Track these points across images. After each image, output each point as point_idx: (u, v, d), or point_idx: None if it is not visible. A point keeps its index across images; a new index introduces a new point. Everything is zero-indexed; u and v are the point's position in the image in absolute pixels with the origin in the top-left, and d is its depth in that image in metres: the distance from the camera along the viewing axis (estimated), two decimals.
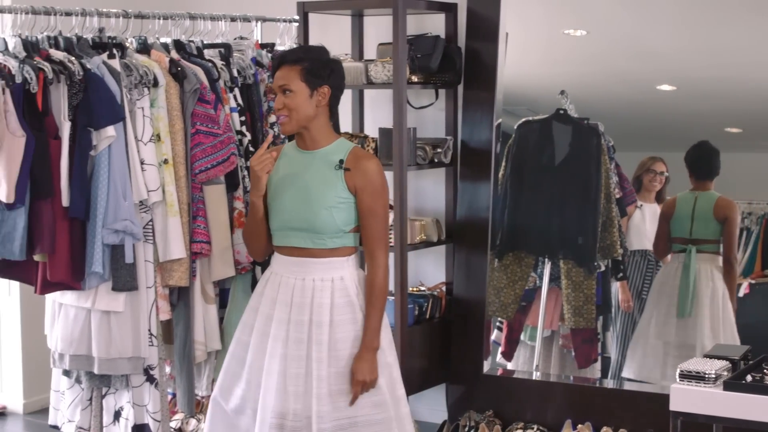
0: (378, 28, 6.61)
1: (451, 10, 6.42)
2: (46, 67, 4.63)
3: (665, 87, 6.15)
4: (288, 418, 4.18)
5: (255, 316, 4.34)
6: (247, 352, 4.33)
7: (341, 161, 4.21)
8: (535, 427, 6.07)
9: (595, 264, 6.12)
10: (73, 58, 4.72)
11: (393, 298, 6.09)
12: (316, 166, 4.24)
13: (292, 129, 4.23)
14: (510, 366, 6.37)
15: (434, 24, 6.49)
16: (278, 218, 4.28)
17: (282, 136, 5.29)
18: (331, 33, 6.72)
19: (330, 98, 4.23)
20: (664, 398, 4.90)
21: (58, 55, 4.73)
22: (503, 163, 6.31)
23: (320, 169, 4.23)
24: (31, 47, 4.76)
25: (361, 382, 4.17)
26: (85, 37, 4.94)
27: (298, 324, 4.21)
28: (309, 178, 4.23)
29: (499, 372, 6.35)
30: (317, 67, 4.20)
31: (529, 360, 6.34)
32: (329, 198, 4.18)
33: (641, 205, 6.13)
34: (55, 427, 5.21)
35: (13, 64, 4.62)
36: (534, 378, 6.28)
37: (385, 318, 4.34)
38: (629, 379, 6.10)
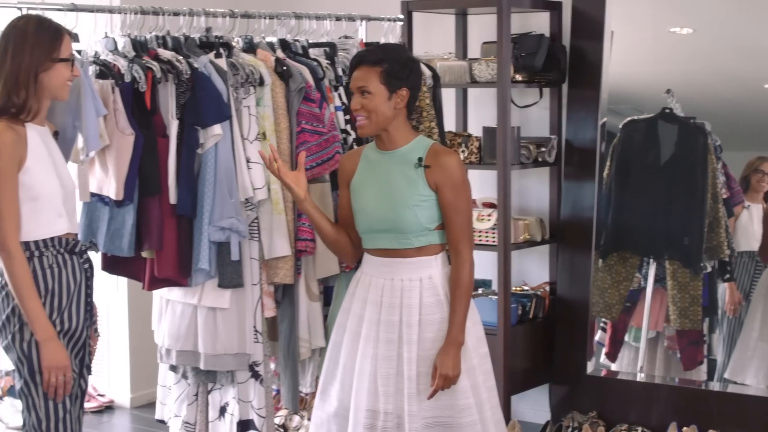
0: (482, 26, 6.59)
1: (555, 9, 6.38)
2: (155, 66, 4.69)
3: None
4: (379, 419, 4.16)
5: (347, 317, 4.32)
6: (341, 353, 4.32)
7: (420, 159, 4.15)
8: (640, 429, 6.02)
9: (702, 265, 6.05)
10: (181, 57, 4.78)
11: (496, 297, 6.09)
12: (396, 166, 4.19)
13: (371, 131, 4.18)
14: (614, 367, 6.32)
15: (538, 22, 6.46)
16: (363, 221, 4.25)
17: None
18: (434, 32, 6.72)
19: (408, 99, 4.18)
20: None
21: (166, 54, 4.79)
22: (608, 163, 6.26)
23: (400, 168, 4.18)
24: (139, 47, 4.83)
25: (443, 376, 4.09)
26: (192, 36, 5.00)
27: (389, 324, 4.19)
28: (390, 179, 4.19)
29: (603, 373, 6.30)
30: (397, 69, 4.13)
31: (633, 361, 6.28)
32: (411, 197, 4.14)
33: (749, 206, 6.04)
34: (162, 422, 5.27)
35: (122, 64, 4.70)
36: (638, 379, 6.21)
37: (476, 317, 4.31)
38: (735, 382, 6.02)
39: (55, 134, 4.11)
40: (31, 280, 3.86)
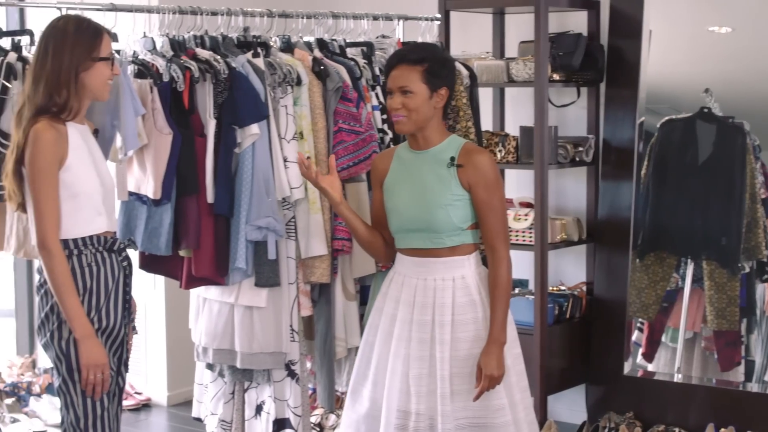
0: (519, 25, 6.58)
1: (593, 8, 6.37)
2: (193, 65, 4.71)
3: None
4: (410, 419, 4.16)
5: (380, 316, 4.31)
6: (373, 352, 4.32)
7: (453, 158, 4.15)
8: (677, 429, 6.00)
9: (739, 265, 6.02)
10: (219, 56, 4.79)
11: (533, 297, 6.08)
12: (428, 165, 4.19)
13: (410, 129, 4.17)
14: (651, 367, 6.29)
15: (576, 21, 6.44)
16: (396, 220, 4.25)
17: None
18: (472, 31, 6.72)
19: (446, 99, 4.18)
20: None
21: (204, 54, 4.80)
22: (645, 162, 6.23)
23: (433, 167, 4.17)
24: (178, 46, 4.85)
25: (488, 376, 4.08)
26: (230, 36, 5.01)
27: (421, 324, 4.19)
28: (423, 178, 4.18)
29: (640, 373, 6.28)
30: (438, 68, 4.13)
31: (670, 362, 6.25)
32: (444, 196, 4.13)
33: None
34: (198, 420, 5.29)
35: (160, 63, 4.72)
36: (675, 380, 6.19)
37: (510, 317, 4.28)
38: None
39: (95, 132, 4.13)
40: (70, 278, 3.87)
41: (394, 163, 4.29)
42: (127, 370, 4.15)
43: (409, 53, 4.17)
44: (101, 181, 3.98)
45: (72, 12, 4.49)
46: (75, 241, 3.92)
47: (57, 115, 3.89)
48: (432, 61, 4.13)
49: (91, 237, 3.95)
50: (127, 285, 4.09)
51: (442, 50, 4.29)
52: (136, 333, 4.28)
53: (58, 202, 3.86)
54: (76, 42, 3.90)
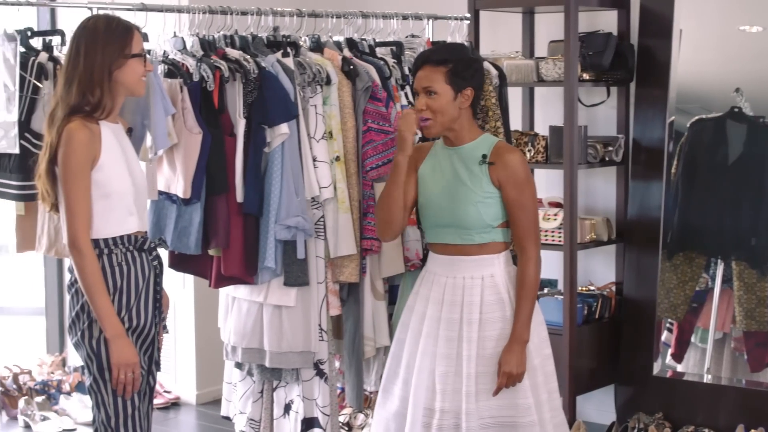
0: (549, 25, 6.57)
1: (623, 7, 6.34)
2: (223, 65, 4.72)
3: None
4: (435, 417, 4.16)
5: (410, 315, 4.33)
6: (404, 351, 4.33)
7: (484, 156, 4.16)
8: (706, 430, 5.97)
9: None
10: (249, 56, 4.80)
11: (562, 297, 6.06)
12: (461, 162, 4.20)
13: (437, 132, 4.19)
14: (680, 368, 6.27)
15: (606, 21, 6.42)
16: (428, 215, 4.27)
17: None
18: (501, 30, 6.71)
19: (473, 99, 4.18)
20: None
21: (234, 53, 4.82)
22: (675, 162, 6.21)
23: (465, 164, 4.19)
24: (208, 46, 4.86)
25: (507, 373, 4.09)
26: (260, 35, 5.02)
27: (449, 322, 4.19)
28: (454, 175, 4.20)
29: (669, 374, 6.25)
30: (462, 69, 4.13)
31: (699, 362, 6.23)
32: (475, 193, 4.15)
33: None
34: (227, 418, 5.30)
35: (190, 63, 4.73)
36: (705, 381, 6.16)
37: (540, 317, 4.30)
38: None
39: (129, 131, 4.14)
40: (101, 278, 3.88)
41: (431, 156, 4.31)
42: (158, 369, 4.16)
43: (433, 54, 4.19)
44: (133, 180, 3.98)
45: (102, 12, 4.50)
46: (106, 240, 3.92)
47: (90, 114, 3.89)
48: (456, 62, 4.13)
49: (122, 237, 3.95)
50: (158, 284, 4.10)
51: (469, 50, 4.28)
52: (167, 332, 4.30)
53: (89, 202, 3.86)
54: (108, 40, 3.90)
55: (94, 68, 3.88)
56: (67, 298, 4.04)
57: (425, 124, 4.15)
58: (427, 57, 4.18)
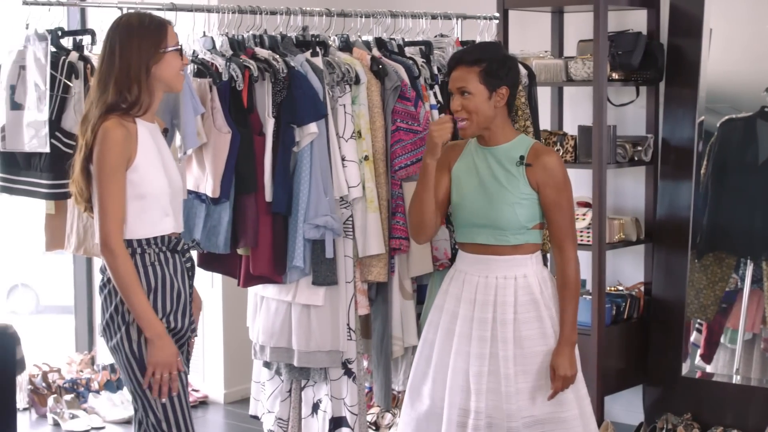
0: (578, 24, 6.56)
1: (653, 6, 6.33)
2: (252, 65, 4.73)
3: None
4: (470, 417, 4.16)
5: (440, 314, 4.32)
6: (433, 350, 4.32)
7: (522, 157, 4.16)
8: (735, 431, 5.95)
9: None
10: (278, 56, 4.81)
11: (590, 297, 6.05)
12: (497, 162, 4.19)
13: (473, 132, 4.18)
14: (709, 369, 6.25)
15: (636, 20, 6.41)
16: (462, 215, 4.26)
17: None
18: (530, 30, 6.70)
19: (508, 98, 4.18)
20: None
21: (263, 53, 4.82)
22: (705, 162, 6.19)
23: (501, 165, 4.18)
24: (237, 46, 4.87)
25: (562, 377, 4.11)
26: (289, 35, 5.03)
27: (482, 322, 4.19)
28: (490, 175, 4.19)
29: (698, 375, 6.23)
30: (496, 68, 4.13)
31: (729, 363, 6.20)
32: (511, 194, 4.14)
33: None
34: (255, 417, 5.31)
35: (220, 63, 4.74)
36: (734, 382, 6.14)
37: None
38: None
39: (165, 131, 4.12)
40: (136, 278, 3.83)
41: (465, 155, 4.30)
42: (188, 371, 4.16)
43: (466, 54, 4.19)
44: (169, 181, 3.95)
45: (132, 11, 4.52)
46: (139, 241, 3.88)
47: (127, 111, 3.87)
48: (489, 61, 4.13)
49: (155, 237, 3.92)
50: (190, 286, 4.07)
51: (501, 49, 4.27)
52: (196, 336, 4.23)
53: (123, 202, 3.82)
54: (143, 36, 3.88)
55: (130, 65, 3.86)
56: (99, 299, 4.01)
57: (462, 125, 4.15)
58: (460, 57, 4.18)
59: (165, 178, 3.93)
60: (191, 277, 4.09)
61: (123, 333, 3.88)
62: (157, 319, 3.86)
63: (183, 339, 4.02)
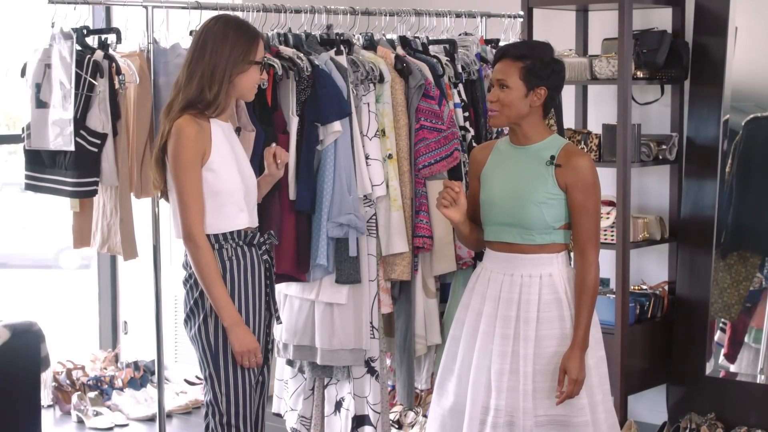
0: (603, 23, 6.54)
1: (678, 4, 6.31)
2: (276, 63, 4.73)
3: None
4: (489, 414, 4.17)
5: (466, 311, 4.33)
6: (459, 348, 4.33)
7: (552, 157, 4.15)
8: (759, 431, 5.93)
9: None
10: (302, 54, 4.81)
11: (614, 296, 6.04)
12: (527, 161, 4.20)
13: (501, 123, 4.20)
14: (733, 368, 6.23)
15: (660, 18, 6.39)
16: (489, 213, 4.26)
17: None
18: (555, 28, 6.68)
19: (546, 99, 4.18)
20: None
21: (287, 51, 4.82)
22: (729, 161, 6.16)
23: (531, 164, 4.19)
24: None
25: (573, 380, 4.09)
26: (313, 33, 5.03)
27: (505, 320, 4.19)
28: (519, 174, 4.20)
29: (722, 374, 6.21)
30: (538, 68, 4.13)
31: (753, 363, 6.18)
32: (539, 194, 4.14)
33: None
34: (278, 415, 5.31)
35: None
36: (758, 381, 6.12)
37: (595, 318, 4.27)
38: None
39: (237, 130, 4.22)
40: (218, 269, 4.01)
41: (493, 155, 4.31)
42: (268, 363, 4.30)
43: (512, 48, 4.22)
44: (243, 178, 4.10)
45: (158, 9, 4.54)
46: (216, 236, 4.05)
47: (202, 111, 4.00)
48: (533, 60, 4.14)
49: (231, 232, 4.07)
50: (269, 279, 4.22)
51: (550, 51, 4.24)
52: (280, 322, 4.45)
53: (201, 195, 3.98)
54: (236, 42, 4.02)
55: (217, 65, 3.99)
56: (183, 292, 4.16)
57: (492, 114, 4.18)
58: (506, 50, 4.21)
59: (239, 175, 4.09)
60: (269, 269, 4.23)
61: (201, 323, 4.06)
62: (235, 309, 4.03)
63: (261, 330, 4.15)
